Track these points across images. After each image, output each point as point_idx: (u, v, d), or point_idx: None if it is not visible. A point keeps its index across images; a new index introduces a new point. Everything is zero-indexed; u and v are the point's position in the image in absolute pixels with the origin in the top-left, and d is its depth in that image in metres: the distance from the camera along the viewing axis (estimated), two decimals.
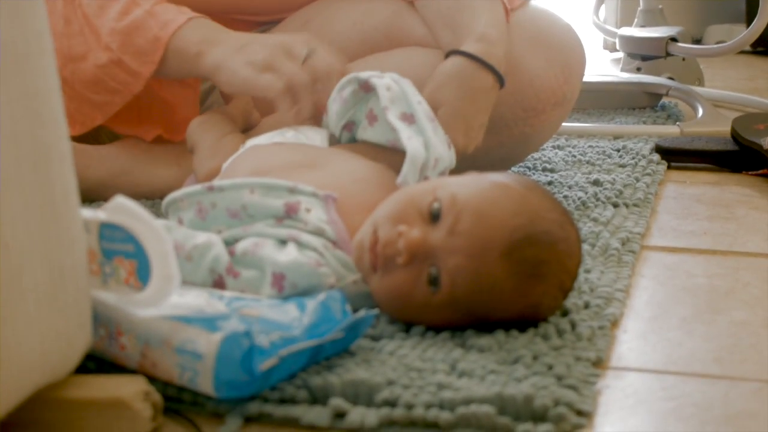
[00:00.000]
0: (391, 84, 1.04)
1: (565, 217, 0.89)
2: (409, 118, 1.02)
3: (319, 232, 0.91)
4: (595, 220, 1.24)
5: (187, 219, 0.96)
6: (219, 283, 0.89)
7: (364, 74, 1.06)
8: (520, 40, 1.25)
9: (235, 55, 1.18)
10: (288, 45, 1.17)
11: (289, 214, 0.92)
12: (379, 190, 0.97)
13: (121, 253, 0.74)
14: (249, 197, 0.94)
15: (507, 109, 1.26)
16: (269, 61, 1.16)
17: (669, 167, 1.59)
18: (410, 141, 0.99)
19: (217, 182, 0.96)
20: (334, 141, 1.12)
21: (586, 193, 1.35)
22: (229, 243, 0.93)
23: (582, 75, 1.33)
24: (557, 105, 1.29)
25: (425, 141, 1.00)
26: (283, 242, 0.91)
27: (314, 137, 1.11)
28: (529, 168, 1.52)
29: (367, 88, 1.07)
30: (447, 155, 1.02)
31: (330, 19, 1.38)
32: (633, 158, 1.58)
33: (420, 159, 0.98)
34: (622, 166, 1.54)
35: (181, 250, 0.90)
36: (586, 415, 0.74)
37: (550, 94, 1.27)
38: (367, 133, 1.08)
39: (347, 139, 1.11)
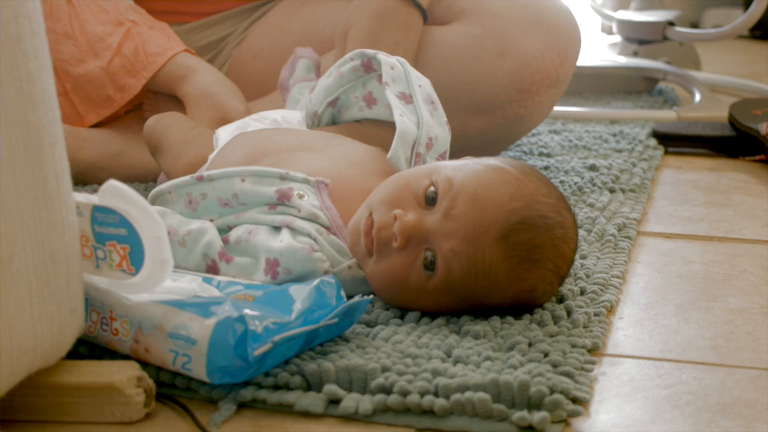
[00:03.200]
0: (395, 63, 1.04)
1: (561, 202, 0.88)
2: (407, 98, 1.01)
3: (312, 218, 0.90)
4: (591, 205, 1.23)
5: (177, 211, 0.94)
6: (212, 269, 0.89)
7: (371, 51, 1.06)
8: (519, 22, 1.26)
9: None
10: None
11: (282, 200, 0.91)
12: (374, 174, 0.96)
13: (114, 237, 0.73)
14: (240, 186, 0.93)
15: (502, 90, 1.26)
16: None
17: (666, 152, 1.58)
18: (402, 118, 0.98)
19: (206, 172, 0.95)
20: (309, 119, 1.11)
21: (583, 178, 1.35)
22: (223, 231, 0.92)
23: (577, 58, 1.34)
24: (551, 87, 1.29)
25: (418, 120, 0.99)
26: (276, 229, 0.90)
27: (291, 118, 1.10)
28: (525, 152, 1.51)
29: (368, 68, 1.06)
30: (444, 137, 1.01)
31: None
32: (629, 143, 1.57)
33: (411, 135, 0.97)
34: (619, 151, 1.53)
35: (174, 236, 0.89)
36: (581, 402, 0.74)
37: (545, 75, 1.27)
38: (363, 114, 1.08)
39: (329, 115, 1.10)
